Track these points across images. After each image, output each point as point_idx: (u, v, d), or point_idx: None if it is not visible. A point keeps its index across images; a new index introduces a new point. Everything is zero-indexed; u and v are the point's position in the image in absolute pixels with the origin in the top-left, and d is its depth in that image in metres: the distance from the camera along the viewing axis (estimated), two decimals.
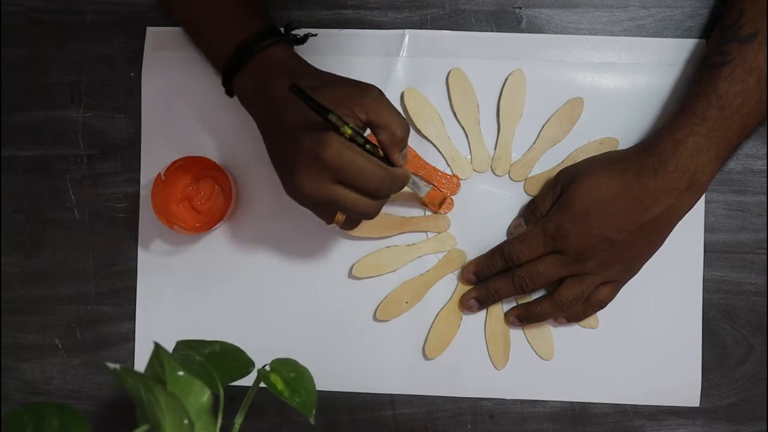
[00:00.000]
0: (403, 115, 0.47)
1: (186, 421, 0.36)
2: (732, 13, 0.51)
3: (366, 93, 0.46)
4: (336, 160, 0.44)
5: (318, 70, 0.50)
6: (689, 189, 0.50)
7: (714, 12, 0.58)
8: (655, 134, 0.53)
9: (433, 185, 0.58)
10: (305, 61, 0.52)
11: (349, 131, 0.44)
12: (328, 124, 0.44)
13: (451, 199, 0.58)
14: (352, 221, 0.52)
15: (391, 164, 0.47)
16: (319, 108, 0.43)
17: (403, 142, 0.47)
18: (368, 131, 0.47)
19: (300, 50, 0.55)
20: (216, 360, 0.46)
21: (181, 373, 0.38)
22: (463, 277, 0.57)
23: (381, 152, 0.46)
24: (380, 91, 0.47)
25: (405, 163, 0.48)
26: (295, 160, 0.46)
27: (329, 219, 0.49)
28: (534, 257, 0.54)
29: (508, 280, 0.55)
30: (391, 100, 0.58)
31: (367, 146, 0.45)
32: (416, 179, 0.53)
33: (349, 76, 0.49)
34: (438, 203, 0.57)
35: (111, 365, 0.35)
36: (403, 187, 0.49)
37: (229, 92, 0.53)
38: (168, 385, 0.38)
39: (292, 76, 0.47)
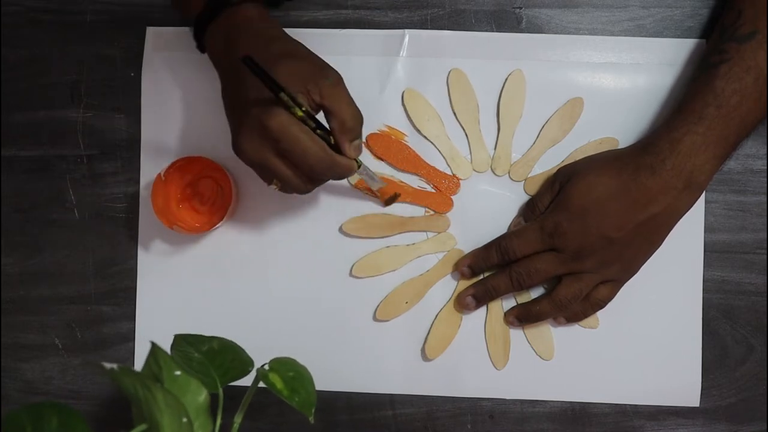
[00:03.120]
0: (358, 108, 0.47)
1: (185, 420, 0.36)
2: (731, 12, 0.51)
3: (325, 75, 0.46)
4: (278, 131, 0.44)
5: (287, 36, 0.50)
6: (687, 188, 0.50)
7: (714, 12, 0.58)
8: (653, 133, 0.52)
9: (434, 185, 0.58)
10: (277, 25, 0.51)
11: (300, 113, 0.44)
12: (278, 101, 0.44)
13: (451, 200, 0.58)
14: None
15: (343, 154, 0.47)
16: (272, 84, 0.43)
17: (353, 133, 0.47)
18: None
19: None
20: (215, 357, 0.46)
21: (178, 372, 0.38)
22: (458, 270, 0.57)
23: (332, 140, 0.47)
24: (339, 77, 0.47)
25: (357, 155, 0.48)
26: (242, 119, 0.46)
27: (268, 181, 0.49)
28: (530, 252, 0.54)
29: (505, 276, 0.55)
30: (390, 100, 0.58)
31: (318, 132, 0.46)
32: (369, 171, 0.53)
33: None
34: (388, 200, 0.57)
35: (107, 365, 0.35)
36: (343, 176, 0.49)
37: (201, 47, 0.53)
38: (165, 384, 0.38)
39: (260, 38, 0.47)
